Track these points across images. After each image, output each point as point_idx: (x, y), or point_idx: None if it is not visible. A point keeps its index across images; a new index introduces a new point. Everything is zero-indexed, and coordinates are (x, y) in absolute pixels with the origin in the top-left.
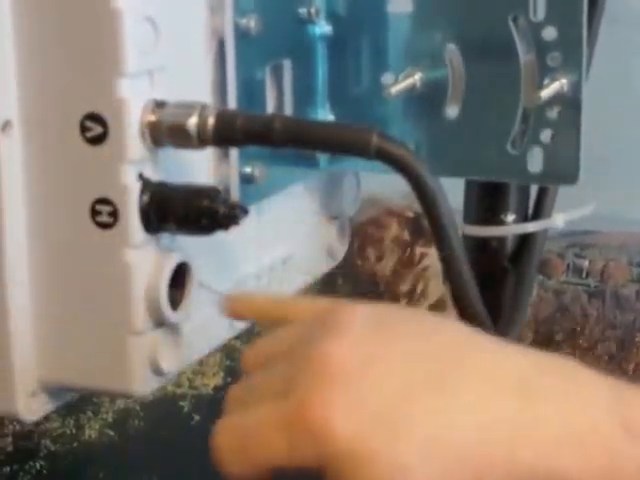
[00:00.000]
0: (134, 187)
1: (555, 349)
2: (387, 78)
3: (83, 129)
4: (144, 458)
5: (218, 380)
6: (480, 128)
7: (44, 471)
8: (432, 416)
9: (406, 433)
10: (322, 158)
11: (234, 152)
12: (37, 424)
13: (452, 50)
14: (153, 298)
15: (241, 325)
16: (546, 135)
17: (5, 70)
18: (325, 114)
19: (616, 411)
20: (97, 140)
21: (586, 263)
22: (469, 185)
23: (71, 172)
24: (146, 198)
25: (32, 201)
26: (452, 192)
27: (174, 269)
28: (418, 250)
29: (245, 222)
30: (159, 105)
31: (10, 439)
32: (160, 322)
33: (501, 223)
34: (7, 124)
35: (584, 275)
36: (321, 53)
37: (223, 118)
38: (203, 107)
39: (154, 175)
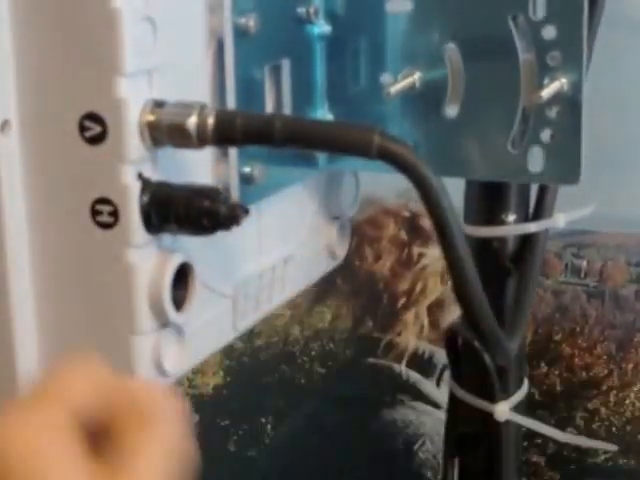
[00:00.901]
0: (134, 187)
1: (554, 349)
2: (386, 78)
3: (82, 129)
4: None
5: (218, 379)
6: (480, 128)
7: None
8: None
9: None
10: (321, 158)
11: (233, 152)
12: None
13: (451, 49)
14: (156, 299)
15: (245, 325)
16: (546, 135)
17: (3, 69)
18: (324, 114)
19: None
20: (96, 140)
21: (584, 263)
22: (469, 185)
23: (70, 172)
24: (146, 198)
25: (32, 201)
26: (452, 192)
27: (177, 269)
28: (416, 250)
29: (246, 222)
30: (158, 105)
31: None
32: (164, 323)
33: (502, 223)
34: (5, 124)
35: (582, 275)
36: (320, 53)
37: (223, 118)
38: (202, 107)
39: (153, 175)
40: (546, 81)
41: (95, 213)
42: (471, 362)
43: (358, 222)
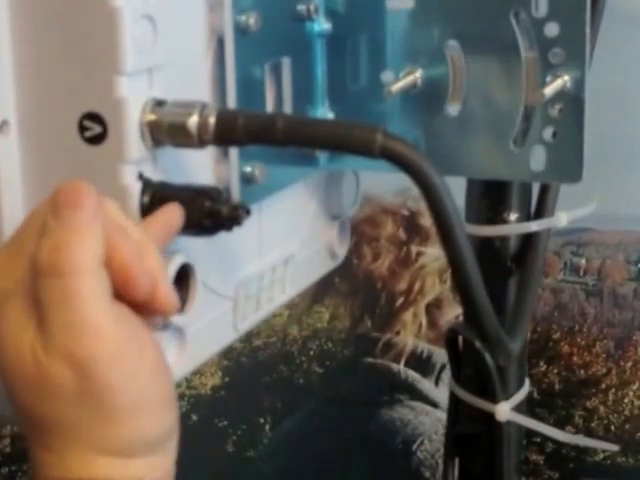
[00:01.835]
0: (134, 187)
1: (553, 347)
2: (387, 76)
3: (82, 129)
4: None
5: (216, 380)
6: (481, 126)
7: None
8: None
9: None
10: (322, 157)
11: (234, 151)
12: None
13: (453, 47)
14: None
15: (245, 327)
16: (548, 133)
17: (2, 69)
18: (324, 112)
19: None
20: (96, 140)
21: (583, 261)
22: (471, 184)
23: (70, 172)
24: (147, 198)
25: (31, 202)
26: (453, 191)
27: (177, 270)
28: (414, 249)
29: (246, 222)
30: (159, 104)
31: (8, 440)
32: (164, 324)
33: (504, 222)
34: (4, 124)
35: (581, 273)
36: (320, 50)
37: (224, 117)
38: (203, 106)
39: (154, 175)
40: (548, 79)
41: None
42: (472, 362)
43: (356, 221)
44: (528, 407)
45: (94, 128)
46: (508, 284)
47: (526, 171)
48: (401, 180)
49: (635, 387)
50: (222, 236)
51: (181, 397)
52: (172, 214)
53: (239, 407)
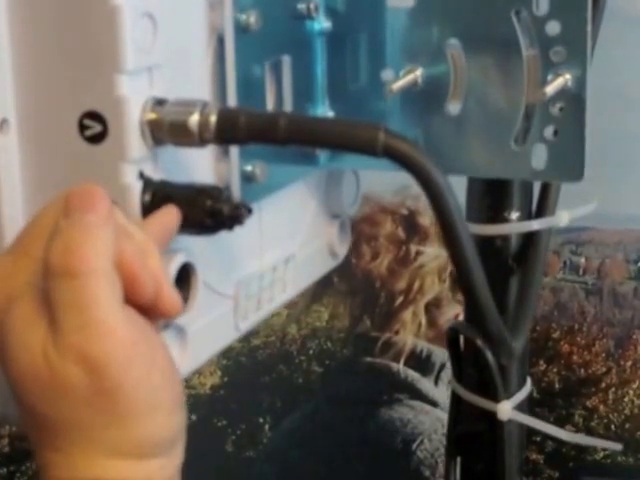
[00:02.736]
0: (135, 186)
1: (552, 347)
2: (388, 74)
3: (82, 128)
4: None
5: (215, 379)
6: (482, 125)
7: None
8: None
9: None
10: (322, 155)
11: (234, 150)
12: None
13: (454, 45)
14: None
15: (247, 326)
16: (549, 131)
17: (2, 68)
18: (325, 110)
19: None
20: (96, 139)
21: (582, 260)
22: (472, 183)
23: (70, 171)
24: (148, 197)
25: (31, 202)
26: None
27: (178, 270)
28: (413, 248)
29: (247, 221)
30: (159, 103)
31: (7, 440)
32: (165, 324)
33: (505, 221)
34: (4, 123)
35: (581, 272)
36: (320, 49)
37: (225, 116)
38: (204, 104)
39: (155, 174)
40: (549, 77)
41: None
42: (473, 361)
43: (355, 220)
44: (528, 406)
45: (94, 127)
46: (509, 283)
47: (527, 170)
48: (400, 179)
49: (635, 386)
50: (223, 235)
51: None
52: (169, 216)
53: (238, 407)
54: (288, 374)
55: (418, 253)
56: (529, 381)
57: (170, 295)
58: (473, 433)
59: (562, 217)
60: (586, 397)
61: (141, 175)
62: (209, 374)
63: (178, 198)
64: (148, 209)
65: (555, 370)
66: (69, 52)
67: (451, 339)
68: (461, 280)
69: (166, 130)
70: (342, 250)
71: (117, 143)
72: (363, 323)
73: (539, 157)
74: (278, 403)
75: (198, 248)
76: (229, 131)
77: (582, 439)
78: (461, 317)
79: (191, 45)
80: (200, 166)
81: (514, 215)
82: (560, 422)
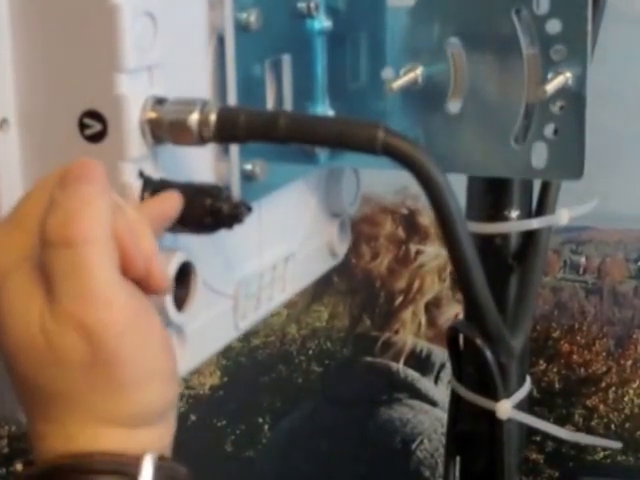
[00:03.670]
0: (135, 185)
1: (552, 346)
2: (388, 73)
3: (82, 127)
4: None
5: (215, 379)
6: (483, 123)
7: None
8: None
9: None
10: (322, 154)
11: (234, 149)
12: None
13: (454, 44)
14: (157, 299)
15: (246, 326)
16: (550, 130)
17: (2, 67)
18: (325, 109)
19: None
20: (96, 138)
21: (583, 260)
22: (472, 181)
23: None
24: (147, 196)
25: None
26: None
27: (178, 269)
28: (413, 247)
29: (247, 220)
30: (159, 101)
31: (6, 441)
32: (165, 323)
33: (505, 219)
34: (4, 122)
35: (581, 272)
36: (321, 48)
37: (225, 114)
38: (204, 103)
39: (154, 173)
40: (550, 75)
41: None
42: (473, 360)
43: (355, 220)
44: (528, 406)
45: (94, 126)
46: (509, 282)
47: (527, 168)
48: (400, 179)
49: (635, 385)
50: (222, 234)
51: (179, 397)
52: (170, 201)
53: (238, 407)
54: (288, 374)
55: (418, 253)
56: (528, 380)
57: (159, 272)
58: (472, 432)
59: (562, 216)
60: (586, 396)
61: (141, 174)
62: (209, 374)
63: None
64: None
65: (555, 369)
66: (69, 51)
67: (451, 338)
68: (460, 279)
69: (166, 129)
70: (342, 249)
71: (117, 142)
72: (363, 323)
73: (539, 155)
74: (278, 403)
75: (197, 247)
76: (229, 130)
77: (581, 438)
78: (461, 316)
79: (191, 44)
80: (200, 165)
81: (514, 213)
82: (560, 422)
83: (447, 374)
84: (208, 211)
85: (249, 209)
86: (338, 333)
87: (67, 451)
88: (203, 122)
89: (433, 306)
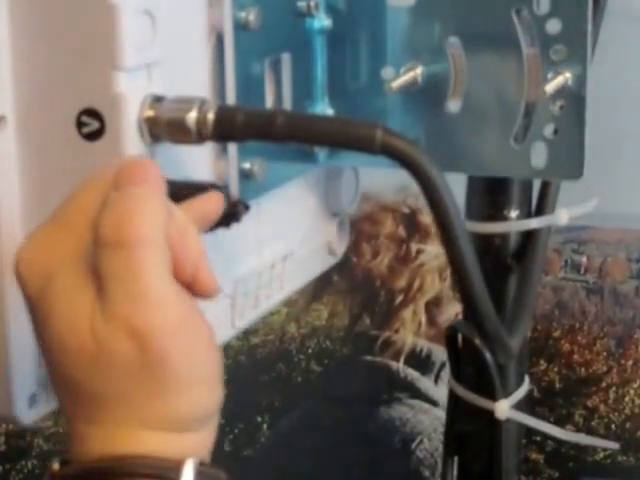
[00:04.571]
0: None
1: (553, 346)
2: (388, 72)
3: (79, 125)
4: None
5: None
6: (482, 123)
7: (36, 470)
8: None
9: None
10: (321, 153)
11: (233, 147)
12: None
13: (454, 43)
14: None
15: (244, 324)
16: (549, 129)
17: (0, 65)
18: (324, 108)
19: None
20: (94, 136)
21: (584, 259)
22: (471, 181)
23: (68, 168)
24: None
25: (28, 199)
26: (454, 188)
27: None
28: (414, 246)
29: (245, 219)
30: (157, 100)
31: (3, 438)
32: None
33: (504, 219)
34: (1, 119)
35: (582, 271)
36: (320, 47)
37: (223, 113)
38: (202, 102)
39: None
40: (550, 75)
41: None
42: (471, 360)
43: (355, 218)
44: (528, 406)
45: (92, 124)
46: (508, 282)
47: (527, 168)
48: (401, 177)
49: (636, 385)
50: (221, 233)
51: None
52: (213, 202)
53: (237, 405)
54: (287, 373)
55: (419, 252)
56: (527, 380)
57: (208, 276)
58: (471, 432)
59: (562, 215)
60: (587, 396)
61: None
62: None
63: (176, 195)
64: None
65: (556, 369)
66: (67, 49)
67: (449, 338)
68: (458, 279)
69: (164, 127)
70: (340, 248)
71: (114, 140)
72: (363, 322)
73: (539, 155)
74: (277, 402)
75: None
76: (227, 128)
77: (578, 438)
78: (461, 316)
79: (190, 42)
80: (198, 163)
81: (513, 213)
82: (560, 422)
83: (447, 373)
84: None
85: (247, 208)
86: (338, 332)
87: (107, 453)
88: (201, 121)
89: (433, 305)
